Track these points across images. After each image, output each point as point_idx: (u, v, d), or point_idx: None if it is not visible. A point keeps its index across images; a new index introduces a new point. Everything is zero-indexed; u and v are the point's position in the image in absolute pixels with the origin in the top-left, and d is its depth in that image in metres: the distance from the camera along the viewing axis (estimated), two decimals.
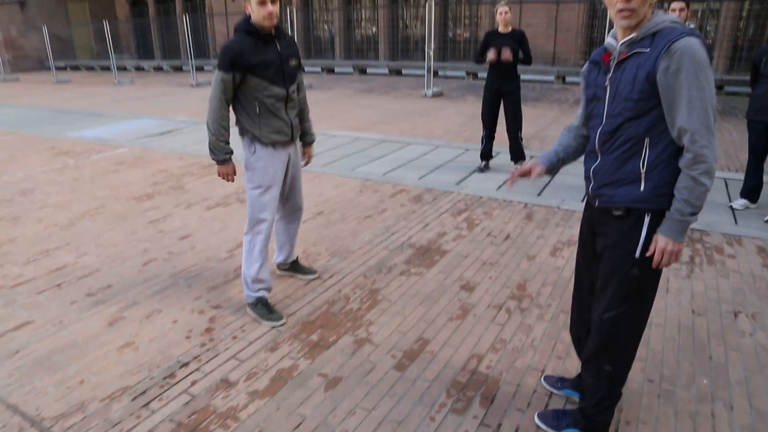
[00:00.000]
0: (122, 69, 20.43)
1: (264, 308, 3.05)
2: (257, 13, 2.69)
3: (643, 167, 1.74)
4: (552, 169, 2.12)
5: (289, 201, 3.24)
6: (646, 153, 1.73)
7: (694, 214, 1.69)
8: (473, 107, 9.80)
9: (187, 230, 4.39)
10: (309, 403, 2.38)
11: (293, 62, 2.91)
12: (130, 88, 15.72)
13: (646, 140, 1.73)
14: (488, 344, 2.78)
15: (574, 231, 4.18)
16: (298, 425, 2.26)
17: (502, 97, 5.57)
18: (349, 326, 2.96)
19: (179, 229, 4.43)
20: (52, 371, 2.66)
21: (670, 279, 3.40)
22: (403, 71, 16.05)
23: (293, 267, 3.53)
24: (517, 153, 5.71)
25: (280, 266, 3.54)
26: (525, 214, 4.58)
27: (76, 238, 4.29)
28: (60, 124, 9.69)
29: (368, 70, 16.83)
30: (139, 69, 21.33)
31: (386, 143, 7.23)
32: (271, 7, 2.68)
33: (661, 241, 1.74)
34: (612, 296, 1.92)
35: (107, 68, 19.77)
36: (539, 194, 5.09)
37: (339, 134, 7.90)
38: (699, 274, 3.48)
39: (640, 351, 2.42)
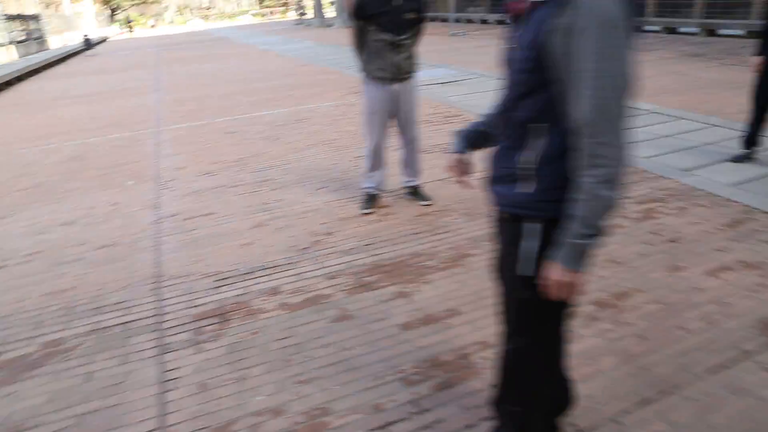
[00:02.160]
0: (468, 21, 22.15)
1: (364, 201, 4.06)
2: None
3: (535, 162, 1.36)
4: (472, 147, 1.70)
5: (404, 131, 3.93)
6: (539, 143, 1.34)
7: (592, 236, 1.27)
8: None
9: None
10: (307, 327, 2.72)
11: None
12: (460, 40, 16.99)
13: (540, 127, 1.33)
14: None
15: None
16: (282, 339, 2.63)
17: None
18: (407, 279, 3.07)
19: None
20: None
21: None
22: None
23: (411, 191, 4.14)
24: None
25: (403, 188, 4.22)
26: (735, 218, 3.49)
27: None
28: None
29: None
30: (484, 22, 22.65)
31: (653, 115, 6.19)
32: None
33: (551, 269, 1.34)
34: (508, 324, 1.62)
35: (459, 20, 21.70)
36: None
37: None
38: None
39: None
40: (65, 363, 2.60)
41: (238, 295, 3.07)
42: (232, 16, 56.11)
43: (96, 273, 3.47)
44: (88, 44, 27.20)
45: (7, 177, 5.73)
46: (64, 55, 22.85)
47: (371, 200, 4.04)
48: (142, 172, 5.46)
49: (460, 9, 22.60)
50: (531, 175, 1.36)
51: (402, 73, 3.63)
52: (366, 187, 4.08)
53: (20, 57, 22.58)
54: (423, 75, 9.99)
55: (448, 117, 6.72)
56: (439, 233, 3.61)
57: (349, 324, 2.71)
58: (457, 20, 21.85)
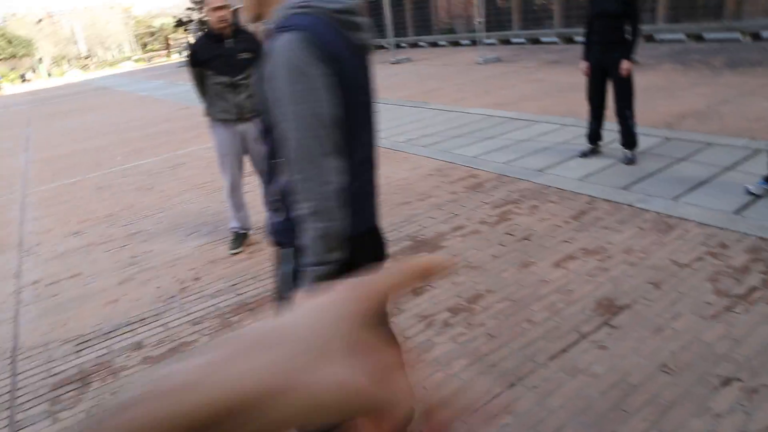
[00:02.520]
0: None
1: (231, 241, 4.04)
2: None
3: (280, 193, 1.41)
4: None
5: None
6: (281, 177, 1.39)
7: (316, 264, 1.32)
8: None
9: None
10: None
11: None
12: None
13: (280, 162, 1.37)
14: None
15: (617, 237, 3.35)
16: None
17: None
18: (270, 315, 3.03)
19: None
20: None
21: None
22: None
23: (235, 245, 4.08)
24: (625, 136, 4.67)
25: None
26: (580, 209, 3.82)
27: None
28: None
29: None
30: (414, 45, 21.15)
31: (513, 121, 6.65)
32: None
33: (297, 294, 1.38)
34: None
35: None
36: (626, 187, 4.13)
37: (473, 112, 7.56)
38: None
39: None
40: None
41: (99, 356, 2.92)
42: (113, 63, 53.88)
43: None
44: None
45: None
46: None
47: (238, 239, 4.02)
48: (3, 240, 5.06)
49: (403, 35, 21.02)
50: (280, 205, 1.43)
51: (245, 112, 3.65)
52: (232, 227, 4.04)
53: None
54: None
55: None
56: None
57: None
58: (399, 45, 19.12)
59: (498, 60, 12.62)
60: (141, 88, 21.53)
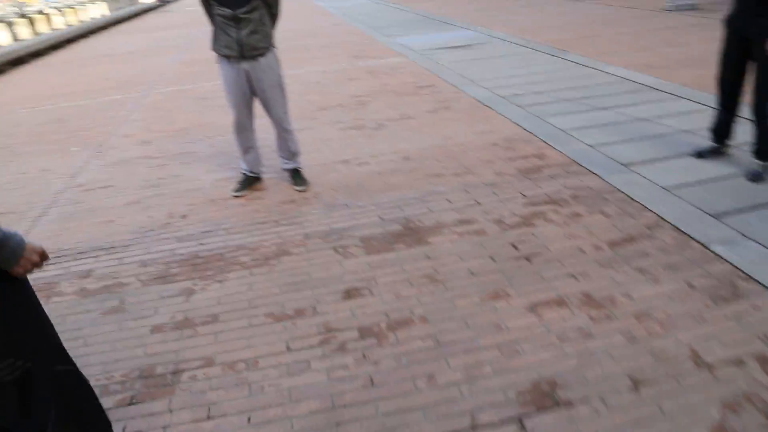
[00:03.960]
0: None
1: (238, 183, 3.84)
2: None
3: None
4: None
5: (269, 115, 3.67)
6: None
7: None
8: None
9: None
10: (78, 317, 2.59)
11: None
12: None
13: None
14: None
15: (646, 291, 2.41)
16: None
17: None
18: (206, 275, 2.83)
19: None
20: None
21: None
22: None
23: (291, 174, 3.87)
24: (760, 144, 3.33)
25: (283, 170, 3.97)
26: (630, 234, 2.83)
27: None
28: (398, 29, 10.88)
29: None
30: None
31: (649, 91, 5.26)
32: None
33: None
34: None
35: None
36: (721, 215, 2.95)
37: (610, 71, 6.16)
38: None
39: None
40: None
41: (54, 275, 3.00)
42: None
43: None
44: (163, 3, 28.37)
45: None
46: (141, 11, 24.04)
47: (244, 183, 3.81)
48: (93, 139, 5.54)
49: None
50: None
51: (247, 50, 3.33)
52: (242, 169, 3.82)
53: (111, 11, 24.03)
54: (430, 38, 9.33)
55: (419, 87, 6.16)
56: (285, 224, 3.29)
57: (113, 318, 2.55)
58: None
59: (692, 7, 10.15)
60: None
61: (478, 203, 3.32)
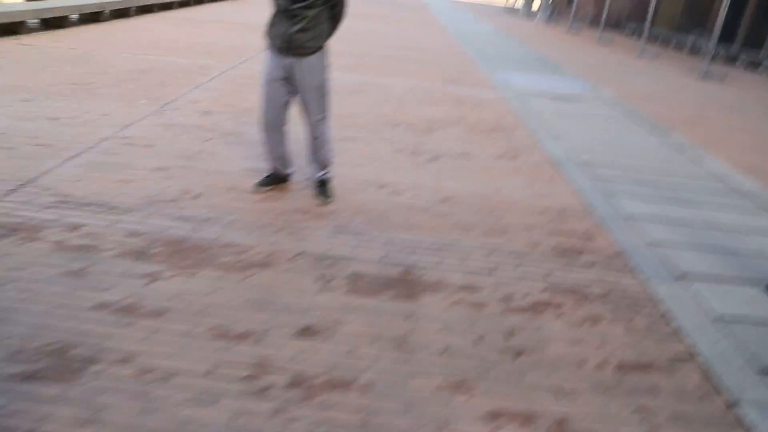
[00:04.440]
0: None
1: (262, 177, 3.72)
2: None
3: None
4: None
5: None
6: None
7: None
8: None
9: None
10: (37, 270, 2.54)
11: None
12: (643, 62, 14.63)
13: None
14: None
15: None
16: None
17: None
18: (182, 263, 2.70)
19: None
20: None
21: None
22: None
23: (316, 184, 3.67)
24: None
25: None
26: (648, 361, 2.40)
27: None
28: (505, 63, 10.51)
29: None
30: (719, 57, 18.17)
31: (748, 197, 4.62)
32: None
33: None
34: None
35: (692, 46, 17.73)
36: (765, 370, 2.44)
37: (706, 165, 5.52)
38: None
39: None
40: None
41: (45, 219, 3.01)
42: None
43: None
44: None
45: (82, 71, 6.42)
46: None
47: (270, 179, 3.69)
48: (163, 96, 5.68)
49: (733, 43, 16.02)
50: None
51: (294, 46, 3.18)
52: (269, 169, 3.70)
53: None
54: (532, 80, 8.88)
55: (496, 128, 5.82)
56: (285, 234, 3.11)
57: (69, 282, 2.49)
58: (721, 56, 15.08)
59: None
60: (449, 17, 21.95)
61: (493, 272, 2.97)
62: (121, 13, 11.99)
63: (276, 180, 3.70)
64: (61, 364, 2.01)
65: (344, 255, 2.96)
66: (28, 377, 1.94)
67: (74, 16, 10.54)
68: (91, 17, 10.91)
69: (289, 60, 3.23)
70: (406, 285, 2.75)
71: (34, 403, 1.82)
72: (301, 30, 3.14)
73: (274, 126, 3.49)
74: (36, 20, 9.60)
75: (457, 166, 4.56)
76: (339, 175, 3.99)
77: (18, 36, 8.67)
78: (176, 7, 13.93)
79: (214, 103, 5.62)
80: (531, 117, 6.51)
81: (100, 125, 4.60)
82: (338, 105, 6.00)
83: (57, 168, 3.67)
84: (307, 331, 2.33)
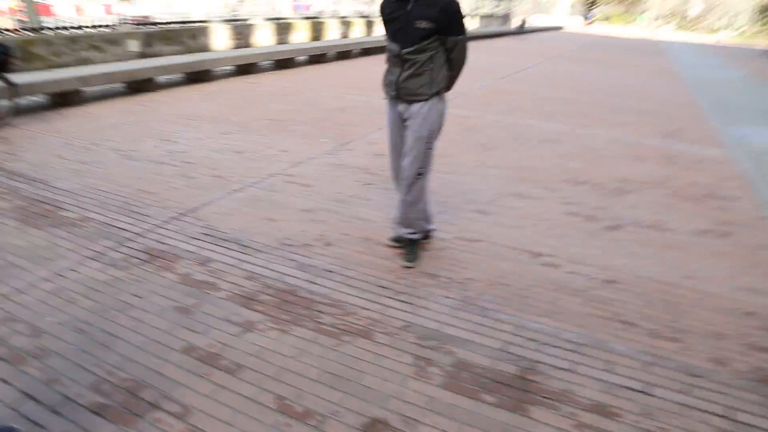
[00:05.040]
0: None
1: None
2: None
3: None
4: None
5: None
6: None
7: None
8: None
9: None
10: (143, 299, 2.72)
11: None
12: None
13: None
14: None
15: None
16: (116, 295, 2.72)
17: None
18: (283, 317, 2.64)
19: None
20: None
21: None
22: None
23: (403, 243, 3.35)
24: None
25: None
26: None
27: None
28: (747, 116, 8.75)
29: None
30: None
31: None
32: None
33: None
34: None
35: None
36: None
37: None
38: None
39: None
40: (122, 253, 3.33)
41: (186, 251, 3.25)
42: (713, 30, 50.01)
43: (172, 187, 4.18)
44: (521, 28, 29.38)
45: (285, 108, 7.12)
46: (499, 33, 25.42)
47: (408, 245, 3.38)
48: (346, 135, 5.94)
49: None
50: None
51: (404, 93, 3.00)
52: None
53: (475, 27, 26.43)
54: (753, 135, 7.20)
55: (709, 195, 4.76)
56: (401, 300, 2.84)
57: (173, 317, 2.59)
58: None
59: None
60: (690, 63, 19.62)
61: (647, 392, 2.29)
62: (343, 55, 13.24)
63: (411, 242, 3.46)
64: (129, 402, 2.04)
65: (456, 336, 2.58)
66: (97, 410, 2.00)
67: (302, 58, 11.89)
68: (317, 59, 12.20)
69: (400, 106, 3.08)
70: (518, 389, 2.26)
71: None
72: (411, 76, 2.94)
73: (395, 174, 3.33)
74: (268, 62, 11.08)
75: (640, 239, 3.80)
76: (490, 235, 3.61)
77: (250, 75, 10.05)
78: None
79: (381, 145, 5.66)
80: (764, 184, 5.25)
81: (274, 161, 4.94)
82: (521, 156, 5.61)
83: (219, 200, 3.98)
84: (375, 426, 2.01)
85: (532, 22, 30.89)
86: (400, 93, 3.01)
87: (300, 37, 13.50)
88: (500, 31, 26.27)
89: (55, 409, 2.00)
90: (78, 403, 2.03)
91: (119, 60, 9.11)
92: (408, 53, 2.90)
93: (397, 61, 2.97)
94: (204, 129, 5.99)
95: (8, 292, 2.76)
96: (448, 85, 3.12)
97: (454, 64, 3.04)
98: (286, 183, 4.42)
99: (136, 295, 2.76)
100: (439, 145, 5.73)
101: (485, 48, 18.82)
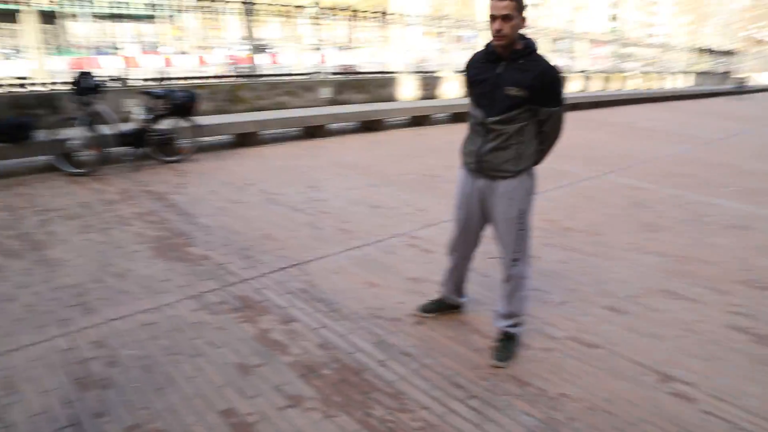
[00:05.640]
0: None
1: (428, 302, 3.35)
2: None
3: None
4: None
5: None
6: None
7: None
8: None
9: None
10: (228, 355, 2.79)
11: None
12: None
13: None
14: None
15: None
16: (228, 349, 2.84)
17: None
18: (339, 402, 2.50)
19: None
20: None
21: None
22: None
23: (500, 335, 2.97)
24: None
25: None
26: None
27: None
28: None
29: None
30: None
31: None
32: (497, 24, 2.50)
33: None
34: None
35: None
36: None
37: None
38: None
39: None
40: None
41: (278, 305, 3.30)
42: None
43: (295, 236, 4.36)
44: (740, 87, 25.99)
45: (441, 164, 7.11)
46: (712, 92, 22.88)
47: (433, 305, 3.29)
48: None
49: None
50: None
51: (486, 168, 2.73)
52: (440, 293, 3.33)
53: (694, 84, 24.60)
54: None
55: None
56: (468, 405, 2.48)
57: (230, 372, 2.58)
58: None
59: None
60: None
61: None
62: None
63: (442, 306, 3.29)
64: None
65: None
66: None
67: None
68: None
69: (481, 182, 2.79)
70: None
71: None
72: (495, 148, 2.67)
73: (460, 253, 3.08)
74: (443, 114, 11.28)
75: None
76: (614, 342, 3.05)
77: (421, 127, 10.31)
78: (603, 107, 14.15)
79: (539, 213, 5.24)
80: None
81: (406, 220, 4.87)
82: (693, 243, 4.76)
83: (333, 255, 4.02)
84: None
85: (756, 80, 27.22)
86: (481, 166, 2.75)
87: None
88: (714, 90, 23.60)
89: None
90: None
91: (310, 105, 10.04)
92: (493, 122, 2.65)
93: (480, 129, 2.73)
94: (352, 179, 6.21)
95: (110, 317, 3.05)
96: (537, 160, 2.81)
97: (547, 137, 2.74)
98: (407, 246, 4.31)
99: (210, 343, 2.84)
100: (592, 220, 5.23)
101: (691, 109, 16.96)
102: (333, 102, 10.76)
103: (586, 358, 2.93)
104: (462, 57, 15.25)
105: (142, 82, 8.31)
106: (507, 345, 2.92)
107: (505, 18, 2.43)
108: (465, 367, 2.77)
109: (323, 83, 10.71)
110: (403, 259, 4.05)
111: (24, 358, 2.69)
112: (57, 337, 2.87)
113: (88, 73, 6.13)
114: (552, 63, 2.58)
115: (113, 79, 7.71)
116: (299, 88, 10.30)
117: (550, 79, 2.55)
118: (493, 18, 2.46)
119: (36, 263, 3.78)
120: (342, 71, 11.65)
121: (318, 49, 12.44)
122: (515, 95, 2.55)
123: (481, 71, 2.68)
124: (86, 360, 2.67)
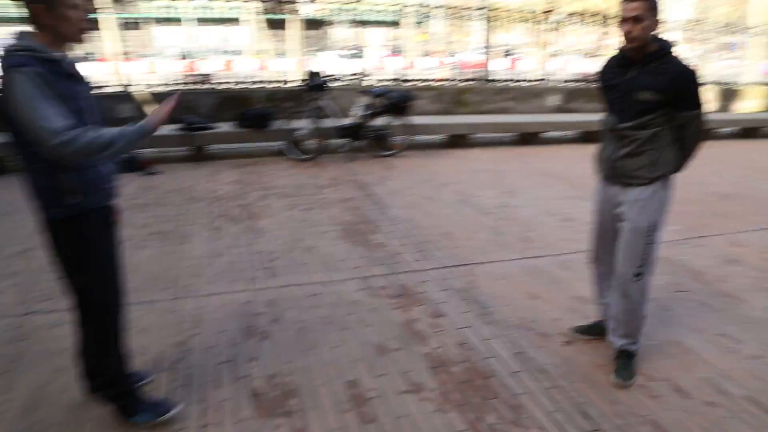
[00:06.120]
0: None
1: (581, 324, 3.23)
2: None
3: None
4: None
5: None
6: None
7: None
8: None
9: None
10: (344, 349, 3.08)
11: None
12: None
13: None
14: None
15: None
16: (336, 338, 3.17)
17: None
18: (462, 400, 2.58)
19: None
20: None
21: None
22: None
23: (616, 354, 2.82)
24: None
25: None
26: None
27: None
28: None
29: None
30: None
31: None
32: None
33: None
34: None
35: None
36: None
37: None
38: None
39: None
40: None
41: (431, 299, 3.46)
42: None
43: (473, 238, 4.45)
44: None
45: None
46: None
47: (590, 328, 3.12)
48: (704, 227, 4.98)
49: None
50: None
51: (618, 174, 2.65)
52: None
53: None
54: None
55: None
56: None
57: (368, 353, 2.83)
58: None
59: None
60: None
61: None
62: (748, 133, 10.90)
63: (598, 330, 3.07)
64: (276, 400, 2.39)
65: None
66: (253, 395, 2.42)
67: (724, 130, 10.44)
68: (747, 133, 10.56)
69: (613, 189, 2.72)
70: None
71: None
72: (628, 155, 2.58)
73: (601, 264, 2.96)
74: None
75: None
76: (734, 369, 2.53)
77: None
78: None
79: (741, 250, 4.49)
80: None
81: (571, 232, 4.60)
82: None
83: (504, 262, 4.03)
84: None
85: None
86: (614, 173, 2.68)
87: (750, 104, 11.79)
88: None
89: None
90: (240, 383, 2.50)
91: (535, 112, 9.92)
92: (626, 128, 2.56)
93: (613, 136, 2.65)
94: (552, 189, 6.03)
95: (287, 282, 3.55)
96: (677, 167, 2.60)
97: (688, 144, 2.54)
98: (586, 264, 4.07)
99: (360, 321, 3.14)
100: None
101: None
102: (560, 110, 10.43)
103: (758, 426, 2.48)
104: (724, 67, 13.43)
105: (374, 82, 9.16)
106: (627, 364, 2.78)
107: (636, 20, 2.35)
108: (600, 399, 2.59)
109: (552, 90, 10.46)
110: (577, 276, 3.85)
111: (214, 303, 3.31)
112: (242, 291, 3.46)
113: (317, 73, 7.09)
114: (689, 65, 2.42)
115: (335, 79, 8.61)
116: (526, 94, 10.22)
117: (686, 80, 2.43)
118: (623, 20, 2.40)
119: (246, 229, 4.55)
120: (575, 79, 11.20)
121: (556, 55, 12.12)
122: (648, 99, 2.45)
123: (614, 76, 2.62)
124: (258, 314, 3.18)
